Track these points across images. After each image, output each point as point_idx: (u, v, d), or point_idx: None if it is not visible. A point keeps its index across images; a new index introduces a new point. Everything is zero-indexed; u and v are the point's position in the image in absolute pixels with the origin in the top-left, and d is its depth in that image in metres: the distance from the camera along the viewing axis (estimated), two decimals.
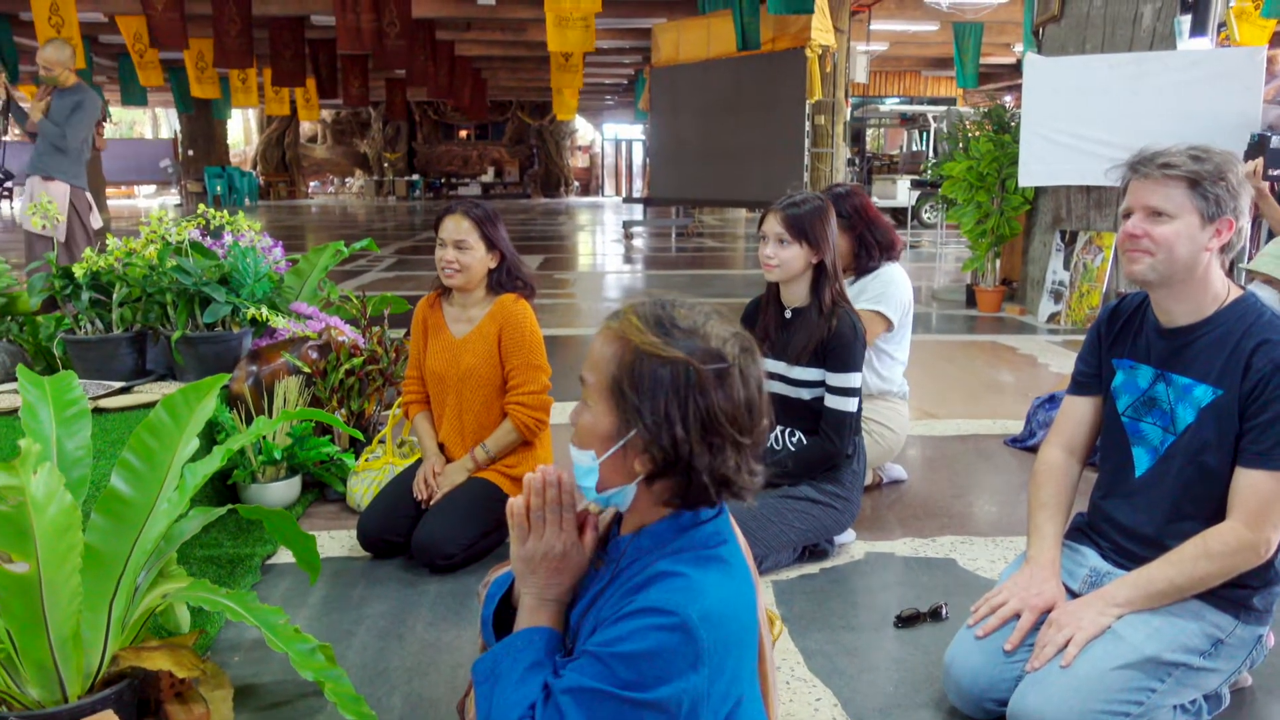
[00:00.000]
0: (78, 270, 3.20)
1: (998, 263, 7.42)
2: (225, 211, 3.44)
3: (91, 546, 1.58)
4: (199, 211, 3.45)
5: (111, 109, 27.91)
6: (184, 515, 1.89)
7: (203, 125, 23.30)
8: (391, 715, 1.98)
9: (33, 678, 1.61)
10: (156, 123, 35.32)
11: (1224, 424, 1.78)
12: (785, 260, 2.65)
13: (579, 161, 34.56)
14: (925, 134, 17.21)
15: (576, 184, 33.29)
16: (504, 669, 1.11)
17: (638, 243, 14.21)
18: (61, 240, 5.29)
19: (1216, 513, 1.81)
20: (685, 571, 1.07)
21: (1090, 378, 2.05)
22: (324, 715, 1.97)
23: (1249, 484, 1.75)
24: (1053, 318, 6.75)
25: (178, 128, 24.92)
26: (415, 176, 30.58)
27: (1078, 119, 6.33)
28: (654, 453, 1.09)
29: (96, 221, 5.71)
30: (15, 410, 3.01)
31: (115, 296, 3.25)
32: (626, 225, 15.07)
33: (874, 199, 14.67)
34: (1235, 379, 1.76)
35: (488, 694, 1.12)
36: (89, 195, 5.67)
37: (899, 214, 14.60)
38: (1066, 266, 6.71)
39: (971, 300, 7.54)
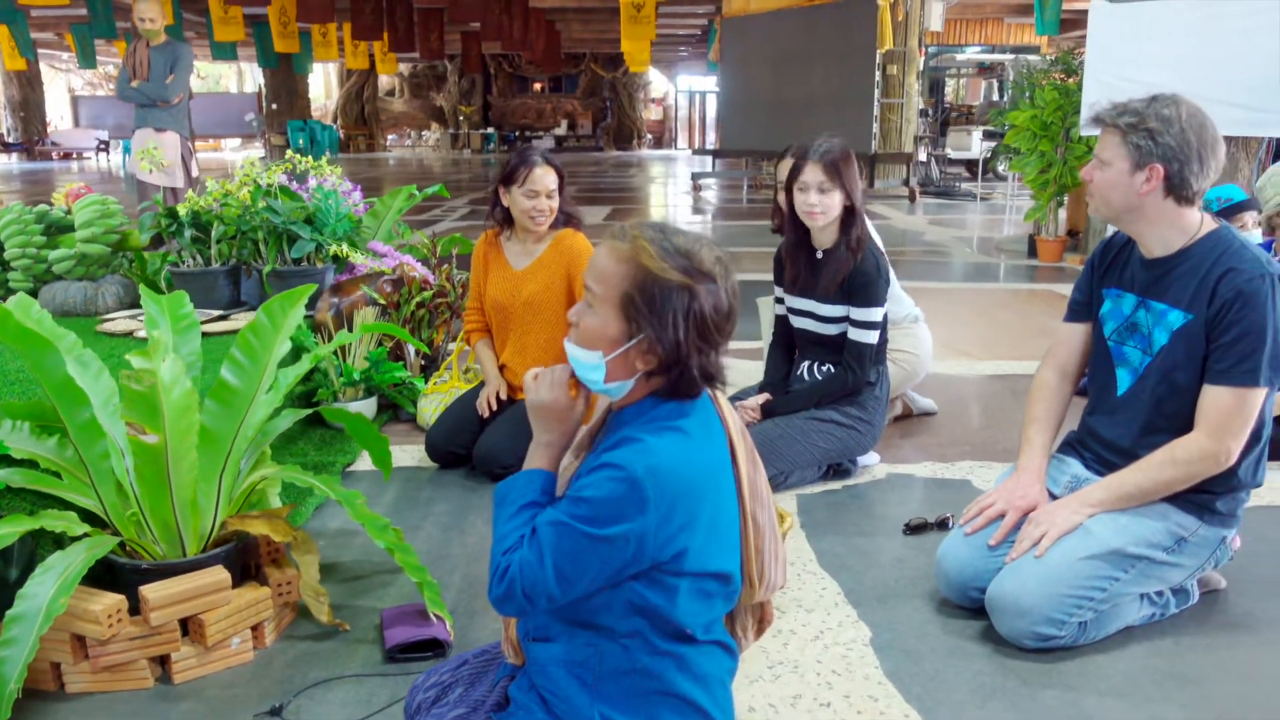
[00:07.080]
0: (181, 210, 3.58)
1: (1061, 213, 7.41)
2: (309, 157, 3.78)
3: (205, 427, 1.91)
4: (286, 156, 3.79)
5: (199, 64, 28.80)
6: (278, 413, 2.22)
7: (285, 80, 24.00)
8: (451, 590, 2.30)
9: (160, 535, 1.96)
10: (241, 77, 36.34)
11: (1192, 345, 1.96)
12: (829, 207, 2.82)
13: (652, 114, 34.52)
14: (1004, 84, 16.86)
15: (649, 137, 33.30)
16: (510, 499, 1.45)
17: (707, 194, 14.33)
18: (179, 185, 5.74)
19: (1185, 426, 1.99)
20: (643, 437, 1.36)
21: (1083, 305, 2.23)
22: (394, 588, 2.31)
23: (1212, 399, 1.94)
24: None
25: (261, 82, 25.70)
26: (490, 130, 30.98)
27: (1144, 65, 6.26)
28: (658, 354, 1.38)
29: (195, 169, 6.15)
30: (129, 333, 3.41)
31: (213, 234, 3.62)
32: (695, 177, 15.18)
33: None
34: (1203, 304, 1.94)
35: (496, 513, 1.46)
36: (191, 144, 6.12)
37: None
38: None
39: (1033, 250, 7.56)
